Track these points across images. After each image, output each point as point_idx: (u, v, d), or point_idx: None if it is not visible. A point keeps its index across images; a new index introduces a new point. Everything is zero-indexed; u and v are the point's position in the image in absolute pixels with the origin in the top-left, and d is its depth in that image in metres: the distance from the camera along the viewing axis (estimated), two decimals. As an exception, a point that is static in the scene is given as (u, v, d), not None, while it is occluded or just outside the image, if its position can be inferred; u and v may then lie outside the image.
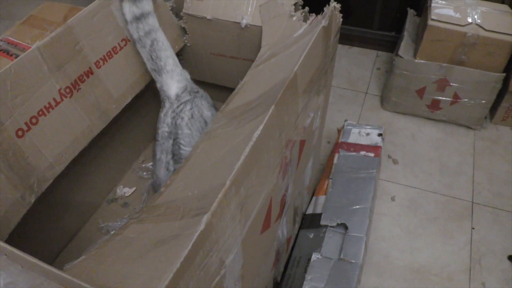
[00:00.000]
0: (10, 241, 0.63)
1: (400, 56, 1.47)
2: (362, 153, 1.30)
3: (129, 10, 0.84)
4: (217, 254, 0.52)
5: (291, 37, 0.82)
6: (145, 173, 1.05)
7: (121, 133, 0.99)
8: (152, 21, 0.87)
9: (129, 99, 0.88)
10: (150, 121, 1.08)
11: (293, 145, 0.72)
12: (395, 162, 1.47)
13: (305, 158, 0.88)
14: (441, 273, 1.20)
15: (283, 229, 0.95)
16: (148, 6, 0.86)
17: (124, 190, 1.03)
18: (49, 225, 0.87)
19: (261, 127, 0.55)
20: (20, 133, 0.68)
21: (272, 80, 0.70)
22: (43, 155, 0.72)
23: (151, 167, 1.04)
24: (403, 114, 1.61)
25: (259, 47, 0.92)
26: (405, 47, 1.51)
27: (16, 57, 0.70)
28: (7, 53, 1.08)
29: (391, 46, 1.78)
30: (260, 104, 0.64)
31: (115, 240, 0.55)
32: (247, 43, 0.97)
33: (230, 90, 1.10)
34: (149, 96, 1.00)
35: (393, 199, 1.38)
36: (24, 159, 0.69)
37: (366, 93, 1.69)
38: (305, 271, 1.07)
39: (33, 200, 0.70)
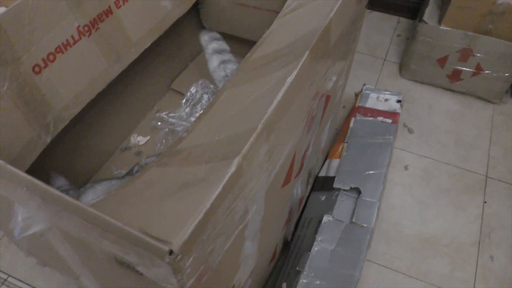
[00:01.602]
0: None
1: (425, 22, 1.42)
2: (380, 118, 1.27)
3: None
4: (243, 201, 0.50)
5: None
6: (159, 123, 1.03)
7: (137, 80, 0.96)
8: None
9: (147, 44, 0.85)
10: (166, 70, 1.06)
11: (320, 99, 0.70)
12: (410, 131, 1.45)
13: (327, 116, 0.85)
14: (450, 244, 1.19)
15: (297, 188, 0.94)
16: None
17: (138, 139, 1.01)
18: (61, 171, 0.86)
19: (295, 72, 0.52)
20: (37, 69, 0.66)
21: (303, 29, 0.67)
22: (60, 95, 0.70)
23: (165, 116, 1.02)
24: (422, 83, 1.57)
25: (285, -2, 0.88)
26: (430, 13, 1.46)
27: None
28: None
29: (414, 13, 1.72)
30: (291, 51, 0.61)
31: (136, 182, 0.53)
32: (272, -7, 0.93)
33: (251, 43, 1.07)
34: (167, 44, 0.97)
35: (406, 168, 1.37)
36: (40, 97, 0.67)
37: (385, 59, 1.65)
38: (316, 232, 1.07)
39: (49, 140, 0.68)
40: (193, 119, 1.01)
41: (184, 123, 1.00)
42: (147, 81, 1.01)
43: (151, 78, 1.03)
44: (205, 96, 1.03)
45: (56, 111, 0.70)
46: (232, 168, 0.43)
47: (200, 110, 1.02)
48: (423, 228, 1.23)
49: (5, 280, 1.08)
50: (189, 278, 0.45)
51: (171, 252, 0.39)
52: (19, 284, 1.07)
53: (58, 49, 0.68)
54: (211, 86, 1.05)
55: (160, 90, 1.09)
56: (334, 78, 0.77)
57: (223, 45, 1.04)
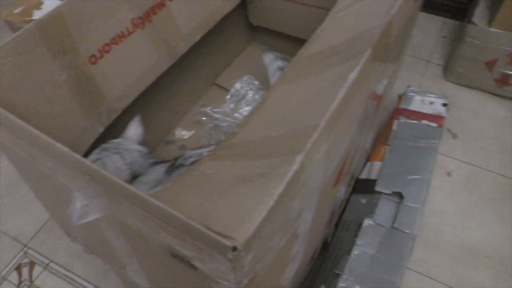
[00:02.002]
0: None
1: (474, 23, 1.37)
2: (424, 122, 1.23)
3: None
4: (300, 199, 0.49)
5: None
6: (204, 118, 1.03)
7: (183, 75, 0.96)
8: None
9: (197, 38, 0.85)
10: (211, 65, 1.06)
11: (374, 100, 0.68)
12: (454, 136, 1.40)
13: (376, 117, 0.83)
14: (493, 256, 1.15)
15: (341, 189, 0.92)
16: None
17: (183, 133, 1.01)
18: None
19: (357, 69, 0.51)
20: (93, 59, 0.66)
21: (360, 26, 0.65)
22: (113, 85, 0.70)
23: (209, 111, 1.02)
24: (467, 87, 1.52)
25: (335, -5, 0.87)
26: (479, 13, 1.40)
27: None
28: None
29: (461, 14, 1.66)
30: (349, 48, 0.60)
31: (191, 174, 0.53)
32: (322, -11, 0.91)
33: (298, 40, 1.06)
34: (213, 39, 0.96)
35: (449, 174, 1.32)
36: (95, 87, 0.67)
37: (429, 61, 1.60)
38: (356, 236, 1.05)
39: (101, 130, 0.69)
40: (237, 115, 1.00)
41: (228, 118, 0.99)
42: (192, 76, 1.01)
43: (196, 73, 1.03)
44: (250, 93, 1.02)
45: (109, 102, 0.70)
46: (295, 166, 0.42)
47: (245, 106, 1.01)
48: (465, 237, 1.19)
49: (47, 265, 1.10)
50: (246, 276, 0.44)
51: (234, 249, 0.38)
52: (60, 269, 1.09)
53: (113, 40, 0.69)
54: (256, 82, 1.05)
55: (205, 85, 1.09)
56: (385, 81, 0.75)
57: (286, 64, 1.05)
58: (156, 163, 0.78)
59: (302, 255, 0.70)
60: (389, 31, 0.59)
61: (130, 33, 0.71)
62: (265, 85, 1.07)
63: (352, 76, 0.50)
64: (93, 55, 0.67)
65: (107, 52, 0.68)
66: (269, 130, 0.54)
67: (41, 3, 1.01)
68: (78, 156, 0.43)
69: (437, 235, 1.19)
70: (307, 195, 0.51)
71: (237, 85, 1.04)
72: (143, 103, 0.88)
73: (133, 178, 0.75)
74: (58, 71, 0.62)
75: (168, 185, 0.52)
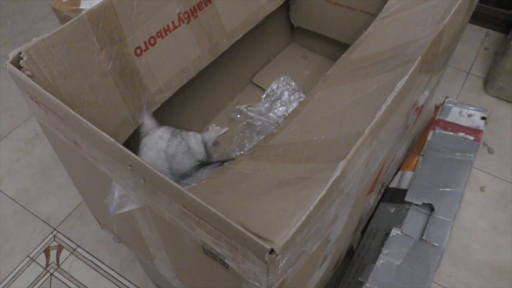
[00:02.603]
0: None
1: (520, 37, 1.32)
2: (461, 134, 1.20)
3: None
4: (337, 206, 0.48)
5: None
6: (238, 115, 1.02)
7: (220, 71, 0.96)
8: None
9: (239, 36, 0.84)
10: (249, 63, 1.05)
11: (416, 110, 0.66)
12: (490, 151, 1.36)
13: (414, 127, 0.81)
14: (523, 276, 1.11)
15: (372, 197, 0.91)
16: None
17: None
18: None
19: (405, 78, 0.49)
20: (138, 51, 0.67)
21: (409, 34, 0.63)
22: (155, 78, 0.71)
23: (244, 109, 1.02)
24: (507, 101, 1.47)
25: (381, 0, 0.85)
26: (527, 28, 1.35)
27: None
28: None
29: (506, 26, 1.61)
30: (397, 55, 0.58)
31: (227, 173, 0.52)
32: (367, -6, 0.90)
33: (338, 44, 1.05)
34: (253, 38, 0.96)
35: (482, 189, 1.28)
36: (138, 79, 0.68)
37: (469, 73, 1.56)
38: (382, 245, 1.03)
39: (140, 121, 0.69)
40: (271, 114, 1.00)
41: (262, 118, 0.99)
42: (230, 73, 1.01)
43: (234, 70, 1.02)
44: (286, 93, 1.01)
45: (150, 94, 0.71)
46: (338, 172, 0.42)
47: (280, 107, 1.01)
48: (495, 255, 1.15)
49: (74, 249, 1.13)
50: (278, 279, 0.43)
51: (271, 251, 0.37)
52: (86, 255, 1.12)
53: (159, 34, 0.69)
54: (293, 83, 1.04)
55: (241, 83, 1.09)
56: (427, 93, 0.73)
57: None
58: (201, 165, 0.75)
59: (329, 261, 0.69)
60: (439, 41, 0.57)
61: (175, 27, 0.71)
62: (302, 86, 1.06)
63: (400, 85, 0.48)
64: (138, 47, 0.67)
65: (152, 45, 0.69)
66: (310, 134, 0.53)
67: (89, -7, 1.03)
68: (122, 147, 0.43)
69: (466, 251, 1.16)
70: (344, 202, 0.50)
71: (274, 85, 1.03)
72: (180, 97, 0.88)
73: (181, 178, 0.72)
74: (105, 60, 0.63)
75: (204, 182, 0.52)
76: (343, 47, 1.02)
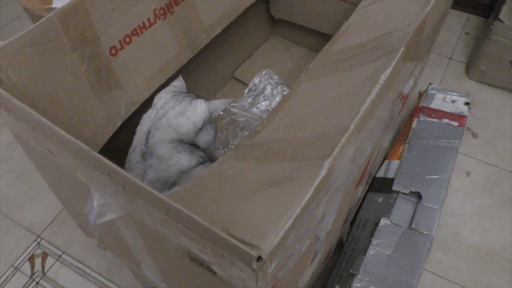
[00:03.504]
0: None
1: (501, 21, 1.32)
2: (445, 120, 1.19)
3: None
4: (324, 204, 0.47)
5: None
6: (221, 112, 1.00)
7: (201, 67, 0.94)
8: None
9: (219, 30, 0.82)
10: (230, 58, 1.03)
11: (401, 100, 0.65)
12: (474, 135, 1.36)
13: (399, 116, 0.80)
14: (511, 259, 1.11)
15: (360, 189, 0.89)
16: None
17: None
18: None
19: (389, 70, 0.48)
20: (113, 51, 0.64)
21: (392, 23, 0.61)
22: (133, 78, 0.68)
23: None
24: (490, 85, 1.47)
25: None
26: (507, 11, 1.35)
27: None
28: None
29: (486, 10, 1.61)
30: (380, 46, 0.56)
31: (211, 174, 0.50)
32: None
33: (320, 34, 1.03)
34: (232, 32, 0.93)
35: (468, 174, 1.29)
36: (115, 79, 0.65)
37: (451, 58, 1.55)
38: (371, 235, 1.02)
39: (119, 124, 0.67)
40: (255, 109, 0.98)
41: (245, 113, 0.97)
42: (210, 68, 0.99)
43: (214, 65, 1.00)
44: (268, 87, 0.99)
45: (128, 95, 0.68)
46: (324, 171, 0.40)
47: (263, 101, 0.99)
48: (483, 239, 1.15)
49: (59, 256, 1.10)
50: (268, 284, 0.42)
51: (259, 258, 0.36)
52: (73, 261, 1.09)
53: (134, 32, 0.67)
54: (275, 77, 1.02)
55: (222, 79, 1.07)
56: (412, 81, 0.71)
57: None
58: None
59: (319, 257, 0.68)
60: (422, 29, 0.56)
61: (151, 24, 0.69)
62: (285, 79, 1.04)
63: (384, 76, 0.47)
64: (113, 46, 0.64)
65: (128, 43, 0.66)
66: (294, 130, 0.51)
67: (61, -9, 0.99)
68: (97, 155, 0.41)
69: (455, 237, 1.16)
70: (332, 199, 0.49)
71: (256, 80, 1.01)
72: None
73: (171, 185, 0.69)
74: (78, 62, 0.60)
75: (187, 186, 0.50)
76: (326, 38, 1.00)
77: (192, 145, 0.73)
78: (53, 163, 0.51)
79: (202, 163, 0.71)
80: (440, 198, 1.04)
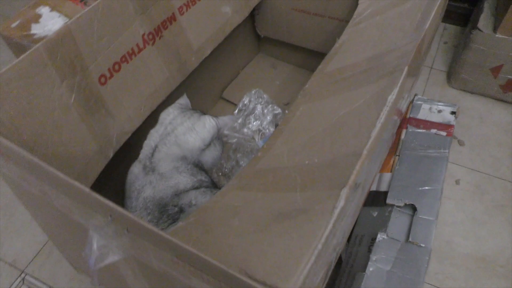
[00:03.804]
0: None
1: (479, 29, 1.34)
2: (433, 131, 1.20)
3: None
4: (340, 233, 0.45)
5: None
6: (212, 134, 0.98)
7: (191, 89, 0.90)
8: None
9: (208, 52, 0.80)
10: (218, 78, 1.01)
11: (399, 116, 0.64)
12: (461, 143, 1.37)
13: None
14: (507, 265, 1.12)
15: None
16: None
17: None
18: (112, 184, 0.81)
19: (396, 90, 0.46)
20: (103, 79, 0.61)
21: (387, 40, 0.60)
22: (123, 106, 0.65)
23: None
24: (472, 93, 1.49)
25: (350, 4, 0.82)
26: (485, 20, 1.38)
27: (82, 2, 0.62)
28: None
29: (462, 19, 1.64)
30: (378, 66, 0.55)
31: (216, 207, 0.48)
32: (336, -1, 0.87)
33: (310, 52, 1.02)
34: (220, 51, 0.91)
35: (457, 182, 1.29)
36: (105, 109, 0.62)
37: (431, 67, 1.57)
38: (369, 251, 1.00)
39: (111, 155, 0.64)
40: (246, 130, 0.95)
41: (237, 134, 0.95)
42: (199, 90, 0.97)
43: (202, 87, 0.98)
44: (259, 107, 0.98)
45: (119, 124, 0.65)
46: (341, 202, 0.38)
47: (254, 121, 0.97)
48: (478, 246, 1.15)
49: (47, 291, 1.04)
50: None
51: (282, 301, 0.33)
52: (60, 295, 1.04)
53: (123, 58, 0.64)
54: (265, 96, 1.00)
55: (211, 100, 1.05)
56: (407, 96, 0.71)
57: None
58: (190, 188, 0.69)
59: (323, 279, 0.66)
60: (422, 47, 0.55)
61: (140, 50, 0.66)
62: (274, 98, 1.02)
63: (392, 98, 0.45)
64: (103, 75, 0.61)
65: (117, 71, 0.63)
66: (300, 157, 0.49)
67: (39, 16, 0.95)
68: (99, 197, 0.38)
69: (449, 246, 1.16)
70: (344, 225, 0.47)
71: (245, 99, 0.99)
72: (149, 121, 0.82)
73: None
74: (67, 93, 0.57)
75: (192, 220, 0.47)
76: (312, 54, 1.00)
77: (196, 165, 0.72)
78: (47, 204, 0.48)
79: (197, 188, 0.69)
80: (435, 209, 1.03)
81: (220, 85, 1.06)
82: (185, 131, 0.71)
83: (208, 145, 0.75)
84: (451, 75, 1.51)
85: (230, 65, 1.05)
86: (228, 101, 1.06)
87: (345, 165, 0.42)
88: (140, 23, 0.65)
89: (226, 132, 0.96)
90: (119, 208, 0.38)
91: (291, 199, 0.43)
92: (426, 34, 0.54)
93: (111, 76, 0.62)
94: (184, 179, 0.67)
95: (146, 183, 0.66)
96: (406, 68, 0.49)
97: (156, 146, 0.69)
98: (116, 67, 0.63)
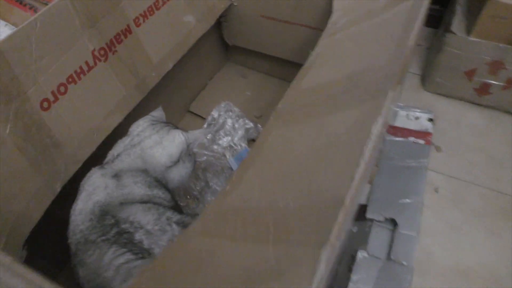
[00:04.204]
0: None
1: (453, 33, 1.31)
2: (411, 139, 1.16)
3: None
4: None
5: (376, 1, 0.66)
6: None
7: (152, 103, 0.82)
8: None
9: (170, 66, 0.72)
10: (184, 91, 0.93)
11: (387, 129, 0.58)
12: (438, 149, 1.33)
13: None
14: (487, 277, 1.08)
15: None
16: None
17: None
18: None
19: (380, 120, 0.40)
20: (45, 104, 0.53)
21: (365, 56, 0.55)
22: (72, 133, 0.57)
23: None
24: (446, 96, 1.45)
25: (322, 11, 0.76)
26: (457, 23, 1.34)
27: (32, 9, 0.54)
28: (20, 2, 0.90)
29: (434, 21, 1.60)
30: (358, 84, 0.49)
31: (177, 256, 0.41)
32: (306, 6, 0.81)
33: (280, 60, 0.95)
34: (185, 63, 0.84)
35: (436, 190, 1.25)
36: (49, 137, 0.54)
37: (406, 71, 1.53)
38: (349, 270, 0.96)
39: (59, 188, 0.55)
40: (215, 147, 0.88)
41: (206, 152, 0.87)
42: (163, 104, 0.88)
43: (167, 101, 0.89)
44: (229, 121, 0.90)
45: (68, 153, 0.57)
46: (322, 266, 0.32)
47: (224, 137, 0.89)
48: (458, 258, 1.12)
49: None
50: None
51: None
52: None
53: (70, 79, 0.56)
54: (235, 109, 0.93)
55: (177, 113, 0.97)
56: (393, 107, 0.65)
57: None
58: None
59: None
60: (406, 66, 0.49)
61: (90, 68, 0.58)
62: (245, 110, 0.95)
63: (376, 129, 0.39)
64: (45, 99, 0.53)
65: (63, 93, 0.55)
66: (273, 196, 0.43)
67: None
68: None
69: (430, 258, 1.12)
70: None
71: (214, 113, 0.92)
72: (107, 143, 0.74)
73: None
74: (1, 124, 0.48)
75: (148, 274, 0.40)
76: (284, 62, 0.93)
77: (157, 180, 0.65)
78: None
79: (144, 202, 0.62)
80: (416, 223, 1.00)
81: (186, 97, 0.98)
82: (152, 145, 0.65)
83: (176, 162, 0.68)
84: (425, 79, 1.47)
85: (196, 76, 0.98)
86: (196, 114, 0.98)
87: (324, 214, 0.36)
88: (89, 38, 0.57)
89: (195, 150, 0.89)
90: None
91: (263, 254, 0.36)
92: (409, 51, 0.48)
93: (56, 99, 0.54)
94: (137, 190, 0.60)
95: (100, 185, 0.58)
96: (390, 93, 0.43)
97: (118, 155, 0.62)
98: (62, 89, 0.55)
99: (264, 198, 0.44)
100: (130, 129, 0.66)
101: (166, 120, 0.74)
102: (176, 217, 0.59)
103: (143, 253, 0.53)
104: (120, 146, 0.64)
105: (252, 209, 0.44)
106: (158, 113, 0.72)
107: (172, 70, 0.81)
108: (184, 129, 0.70)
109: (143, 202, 0.60)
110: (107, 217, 0.56)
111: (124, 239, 0.54)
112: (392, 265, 0.93)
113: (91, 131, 0.60)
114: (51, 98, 0.54)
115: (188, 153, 0.70)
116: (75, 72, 0.56)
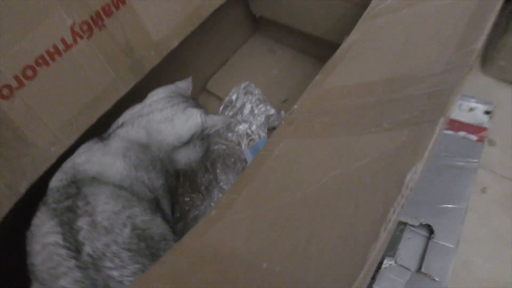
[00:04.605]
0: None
1: (527, 10, 1.10)
2: (462, 133, 1.00)
3: None
4: None
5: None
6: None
7: (163, 77, 0.70)
8: None
9: (175, 44, 0.60)
10: (201, 64, 0.82)
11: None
12: (491, 143, 1.17)
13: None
14: (533, 296, 0.94)
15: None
16: None
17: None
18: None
19: (419, 166, 0.27)
20: (5, 91, 0.43)
21: (414, 54, 0.41)
22: (43, 124, 0.47)
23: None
24: (510, 83, 1.27)
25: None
26: (533, -3, 1.13)
27: None
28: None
29: (505, -6, 1.37)
30: (399, 101, 0.36)
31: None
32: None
33: (312, 37, 0.81)
34: (202, 33, 0.71)
35: (483, 191, 1.10)
36: (12, 131, 0.45)
37: (464, 49, 1.34)
38: (373, 278, 0.85)
39: (24, 190, 0.47)
40: (230, 134, 0.77)
41: (218, 139, 0.76)
42: (174, 79, 0.77)
43: (180, 75, 0.77)
44: (248, 105, 0.78)
45: (38, 148, 0.48)
46: None
47: (242, 123, 0.77)
48: (500, 272, 0.99)
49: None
50: None
51: None
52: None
53: (40, 60, 0.45)
54: (256, 91, 0.80)
55: (192, 91, 0.85)
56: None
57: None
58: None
59: None
60: (467, 75, 0.35)
61: (68, 47, 0.47)
62: (269, 92, 0.82)
63: (413, 177, 0.27)
64: (6, 86, 0.43)
65: (30, 78, 0.45)
66: (264, 244, 0.32)
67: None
68: None
69: (467, 267, 0.99)
70: None
71: (233, 95, 0.79)
72: (104, 122, 0.64)
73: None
74: None
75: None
76: (318, 39, 0.79)
77: (160, 160, 0.56)
78: None
79: (121, 188, 0.52)
80: (456, 234, 0.86)
81: (203, 73, 0.86)
82: (160, 120, 0.56)
83: (186, 144, 0.58)
84: (486, 61, 1.28)
85: (216, 50, 0.85)
86: (212, 93, 0.87)
87: (341, 277, 0.25)
88: (66, 11, 0.46)
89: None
90: None
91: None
92: (475, 58, 0.34)
93: (21, 85, 0.44)
94: (119, 166, 0.52)
95: (85, 151, 0.50)
96: (441, 120, 0.29)
97: (123, 124, 0.54)
98: (29, 72, 0.44)
99: (253, 244, 0.33)
100: (147, 97, 0.58)
101: (190, 95, 0.64)
102: (139, 218, 0.49)
103: (71, 242, 0.44)
104: (127, 114, 0.56)
105: (235, 256, 0.33)
106: (184, 84, 0.64)
107: (186, 39, 0.68)
108: (206, 110, 0.59)
109: (119, 187, 0.51)
110: (72, 186, 0.48)
111: (66, 218, 0.45)
112: (422, 279, 0.82)
113: (68, 122, 0.50)
114: (14, 84, 0.44)
115: (201, 137, 0.61)
116: (47, 52, 0.45)
